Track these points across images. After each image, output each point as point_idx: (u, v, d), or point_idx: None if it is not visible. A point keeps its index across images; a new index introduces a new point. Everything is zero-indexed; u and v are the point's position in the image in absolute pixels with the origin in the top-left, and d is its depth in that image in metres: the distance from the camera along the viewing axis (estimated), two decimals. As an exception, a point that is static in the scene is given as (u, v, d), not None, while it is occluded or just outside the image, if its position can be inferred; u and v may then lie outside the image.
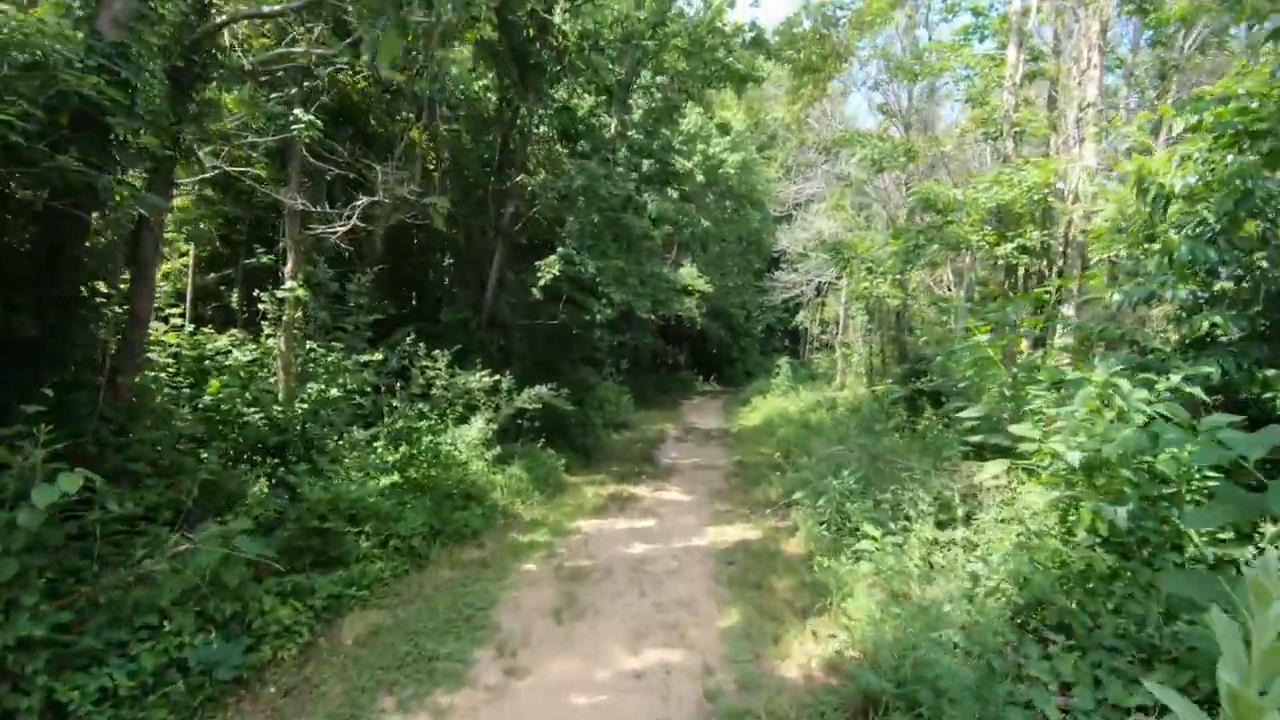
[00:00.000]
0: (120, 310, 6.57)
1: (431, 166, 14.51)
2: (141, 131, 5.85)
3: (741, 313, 32.01)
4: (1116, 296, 5.76)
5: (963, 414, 6.39)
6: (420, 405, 8.98)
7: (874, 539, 6.16)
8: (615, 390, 21.38)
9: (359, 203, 9.17)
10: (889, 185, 17.63)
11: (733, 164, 23.04)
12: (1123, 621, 4.14)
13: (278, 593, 5.47)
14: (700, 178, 23.05)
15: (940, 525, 6.35)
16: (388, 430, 8.42)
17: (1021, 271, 10.81)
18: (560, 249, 11.60)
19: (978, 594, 4.68)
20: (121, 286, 6.78)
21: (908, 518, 6.50)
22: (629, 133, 14.60)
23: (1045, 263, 10.54)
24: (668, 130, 18.37)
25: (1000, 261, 11.20)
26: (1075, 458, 4.47)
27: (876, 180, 17.50)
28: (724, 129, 16.27)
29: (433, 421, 9.04)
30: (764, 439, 17.21)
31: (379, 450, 8.48)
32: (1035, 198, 10.16)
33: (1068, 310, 10.09)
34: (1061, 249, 10.58)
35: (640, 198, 14.14)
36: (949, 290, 18.79)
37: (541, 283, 11.46)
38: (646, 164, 15.97)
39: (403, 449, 8.33)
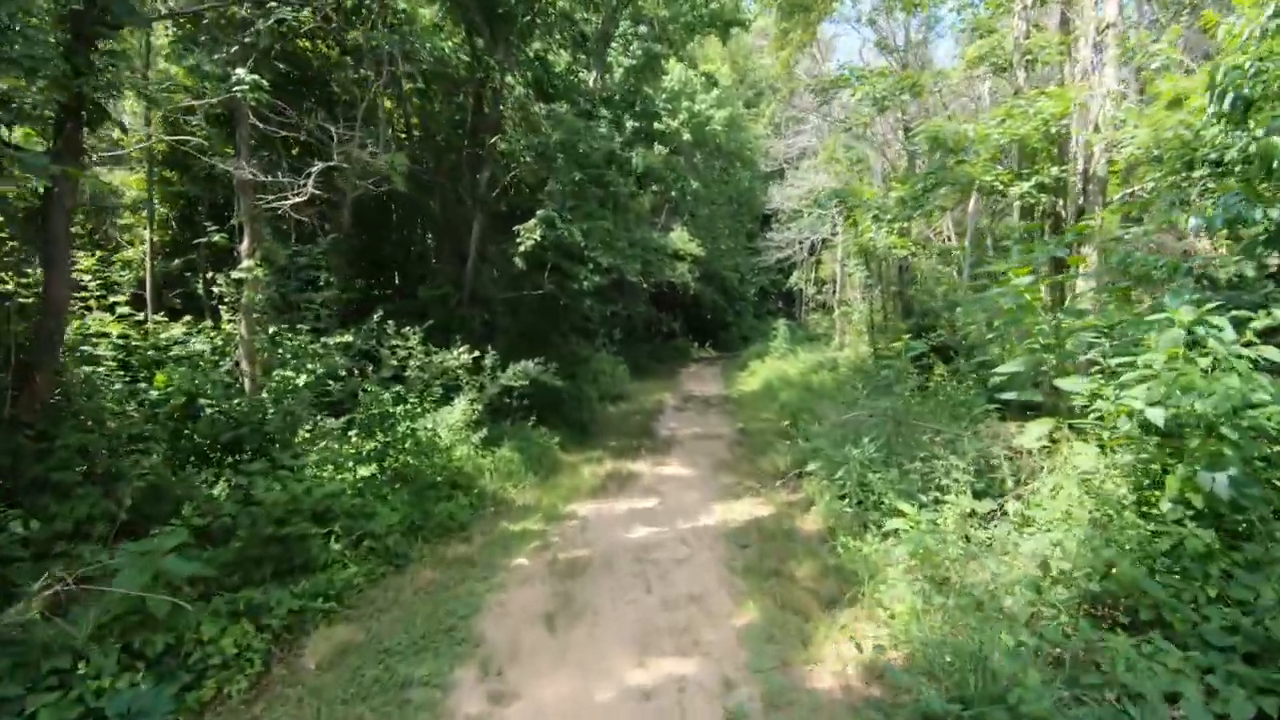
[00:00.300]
0: (32, 299, 5.70)
1: (403, 134, 13.49)
2: (31, 86, 4.93)
3: (735, 275, 31.08)
4: (1193, 222, 4.91)
5: (1000, 369, 5.59)
6: (396, 388, 8.14)
7: (907, 515, 5.40)
8: (610, 361, 20.57)
9: (314, 169, 8.22)
10: (886, 132, 16.63)
11: (720, 121, 21.94)
12: (1230, 611, 3.38)
13: (229, 613, 4.70)
14: (686, 136, 21.96)
15: (977, 495, 5.60)
16: (363, 417, 7.60)
17: (1039, 213, 9.93)
18: (540, 212, 10.66)
19: (1044, 582, 3.92)
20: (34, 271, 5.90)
21: (940, 489, 5.74)
22: (609, 92, 13.56)
23: (1062, 203, 9.66)
24: (650, 88, 17.30)
25: (1005, 206, 10.34)
26: (1158, 415, 3.68)
27: (874, 127, 16.50)
28: (710, 81, 15.22)
29: (410, 405, 8.22)
30: (765, 404, 16.47)
31: (352, 440, 7.68)
32: (1053, 130, 9.26)
33: (1088, 252, 9.27)
34: (1081, 186, 9.71)
35: (624, 153, 13.16)
36: (948, 242, 17.92)
37: (522, 249, 10.56)
38: (630, 122, 14.94)
39: (377, 437, 7.52)
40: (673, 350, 30.58)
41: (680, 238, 22.70)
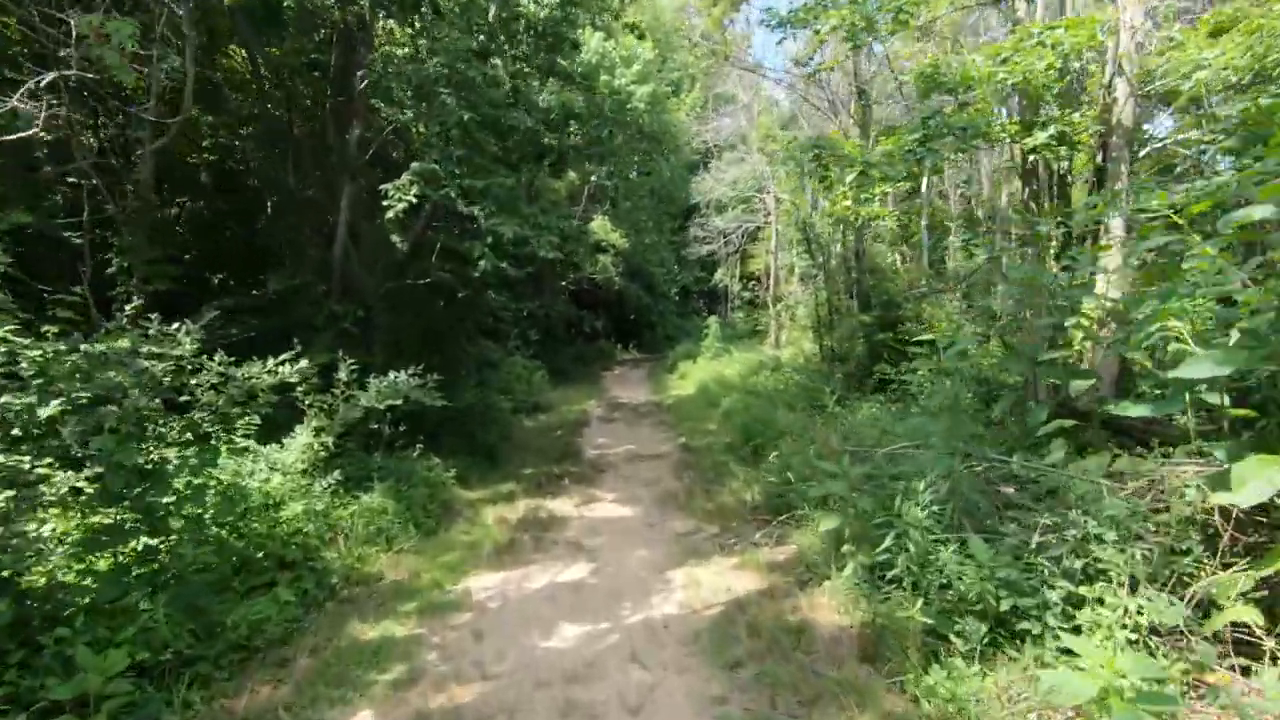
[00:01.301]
0: None
1: (249, 79, 10.19)
2: None
3: (661, 271, 28.66)
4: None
5: (1184, 372, 3.20)
6: (173, 421, 5.06)
7: (1078, 654, 2.90)
8: (526, 367, 17.67)
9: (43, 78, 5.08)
10: (840, 91, 14.52)
11: (642, 98, 19.48)
12: None
13: None
14: (606, 111, 19.32)
15: (1133, 589, 3.19)
16: (103, 470, 4.50)
17: (1052, 172, 7.83)
18: (416, 165, 7.72)
19: None
20: None
21: (1083, 577, 3.30)
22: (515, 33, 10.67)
23: (1102, 156, 7.59)
24: (564, 60, 14.59)
25: (1010, 166, 8.25)
26: None
27: (823, 86, 14.35)
28: (635, 32, 12.67)
29: (200, 448, 5.19)
30: (706, 412, 14.01)
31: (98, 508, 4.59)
32: (1076, 65, 7.15)
33: (1114, 224, 7.22)
34: (1100, 138, 7.67)
35: (529, 86, 10.38)
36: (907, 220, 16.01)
37: (391, 213, 7.57)
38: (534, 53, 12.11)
39: (129, 503, 4.46)
40: (596, 352, 27.86)
41: (602, 227, 20.04)
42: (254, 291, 9.48)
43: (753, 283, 30.68)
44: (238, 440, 5.64)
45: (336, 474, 6.37)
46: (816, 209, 15.78)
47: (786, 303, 16.91)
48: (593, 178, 21.22)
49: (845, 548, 4.53)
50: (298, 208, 10.07)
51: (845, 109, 14.16)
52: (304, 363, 5.74)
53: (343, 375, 6.67)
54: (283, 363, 5.64)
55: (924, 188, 10.82)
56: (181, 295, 9.58)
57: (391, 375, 6.81)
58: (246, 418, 5.55)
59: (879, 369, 10.55)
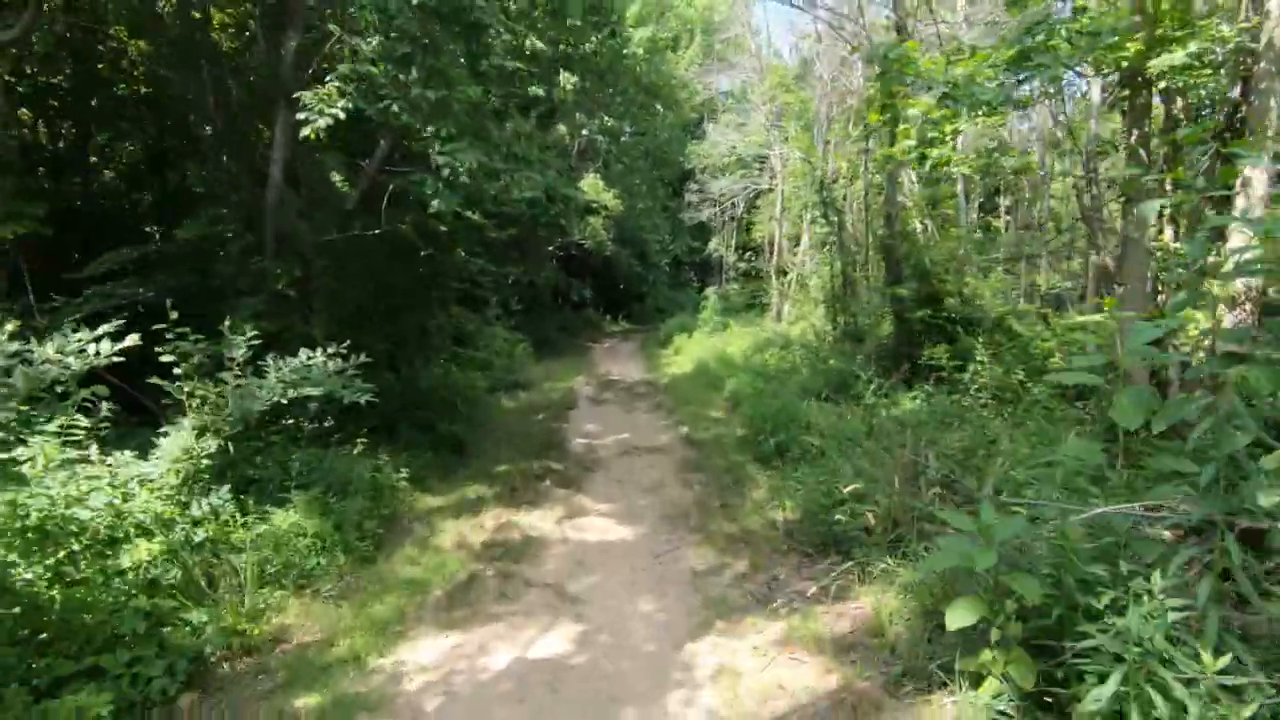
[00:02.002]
0: None
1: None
2: None
3: (654, 238, 26.62)
4: None
5: None
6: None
7: None
8: (507, 339, 15.78)
9: None
10: (876, 30, 12.51)
11: (640, 43, 17.35)
12: None
13: None
14: (600, 63, 17.18)
15: None
16: None
17: (1171, 110, 6.01)
18: (344, 67, 5.71)
19: None
20: None
21: None
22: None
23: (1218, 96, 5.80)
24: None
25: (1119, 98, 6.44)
26: None
27: (856, 20, 12.34)
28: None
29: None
30: (708, 395, 12.25)
31: None
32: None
33: (1255, 176, 5.44)
34: (1240, 66, 5.87)
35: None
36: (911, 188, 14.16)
37: (306, 131, 5.57)
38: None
39: None
40: (584, 323, 25.95)
41: (593, 186, 18.00)
42: (156, 243, 7.50)
43: (750, 254, 28.76)
44: (50, 448, 3.75)
45: (225, 490, 4.53)
46: (827, 165, 13.87)
47: (796, 273, 15.02)
48: (584, 131, 19.14)
49: (991, 655, 2.77)
50: (220, 140, 8.03)
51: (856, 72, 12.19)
52: (132, 338, 3.82)
53: (238, 355, 4.76)
54: (101, 338, 3.73)
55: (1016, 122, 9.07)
56: (59, 245, 7.62)
57: (303, 355, 4.91)
58: (58, 417, 3.67)
59: (927, 353, 8.79)
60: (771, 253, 19.16)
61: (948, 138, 6.11)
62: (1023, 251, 10.64)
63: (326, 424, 6.11)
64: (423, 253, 8.83)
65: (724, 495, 6.67)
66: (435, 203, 5.96)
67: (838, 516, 5.01)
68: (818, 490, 5.63)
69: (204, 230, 7.77)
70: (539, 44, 12.24)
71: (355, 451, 6.40)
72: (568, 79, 16.07)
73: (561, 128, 18.28)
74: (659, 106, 21.51)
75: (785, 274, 18.97)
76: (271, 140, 7.97)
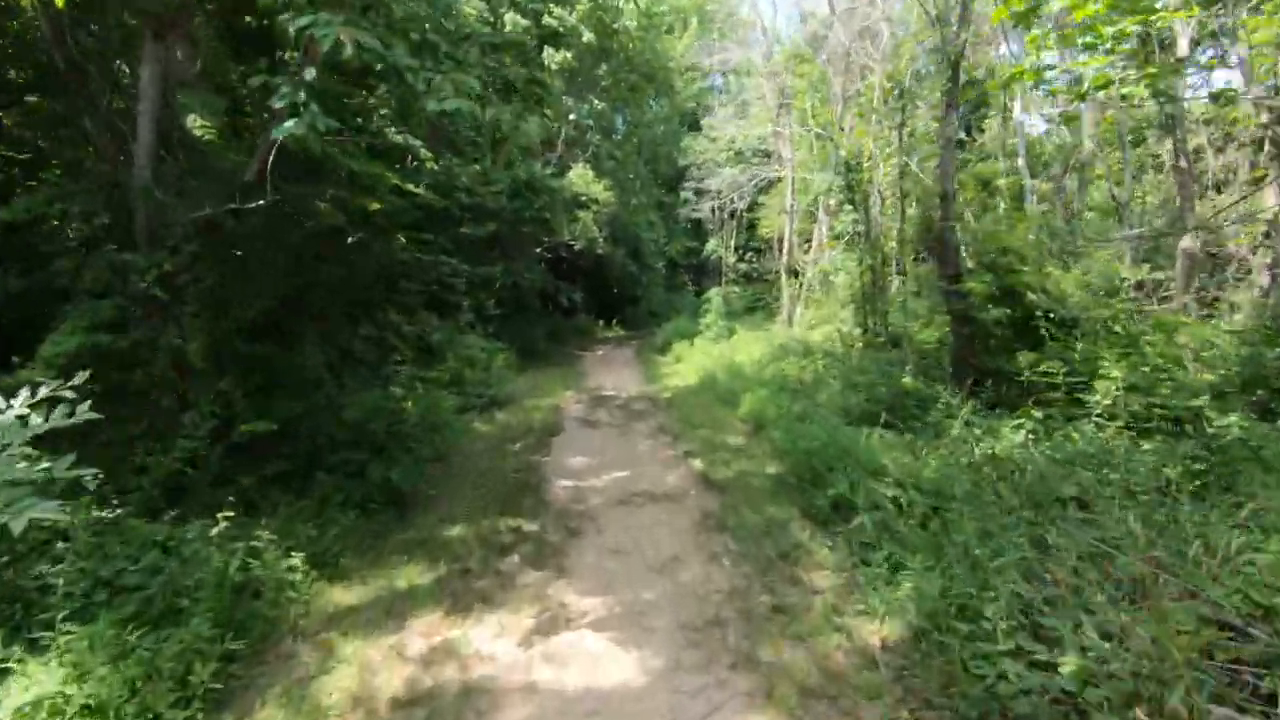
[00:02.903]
0: None
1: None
2: None
3: (649, 236, 24.35)
4: None
5: None
6: None
7: None
8: (485, 349, 13.50)
9: None
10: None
11: (632, 14, 15.15)
12: None
13: None
14: (588, 37, 14.94)
15: None
16: None
17: None
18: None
19: None
20: None
21: None
22: None
23: None
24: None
25: None
26: None
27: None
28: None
29: None
30: (719, 412, 10.05)
31: None
32: None
33: None
34: None
35: None
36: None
37: None
38: None
39: None
40: (574, 330, 23.67)
41: (582, 178, 15.75)
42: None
43: (752, 254, 26.57)
44: None
45: None
46: (845, 146, 11.68)
47: (811, 272, 12.71)
48: (571, 116, 16.92)
49: None
50: (62, 84, 5.76)
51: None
52: None
53: None
54: None
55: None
56: None
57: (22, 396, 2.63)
58: None
59: (1021, 362, 6.61)
60: (781, 250, 16.97)
61: (1108, 42, 3.89)
62: (1108, 236, 8.47)
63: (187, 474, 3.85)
64: (350, 239, 6.56)
65: (771, 583, 4.42)
66: (291, 125, 3.67)
67: (1007, 671, 2.78)
68: (937, 598, 3.41)
69: (40, 207, 5.51)
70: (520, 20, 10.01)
71: (215, 530, 4.13)
72: (553, 56, 13.88)
73: (548, 113, 16.07)
74: (653, 91, 19.34)
75: (797, 274, 16.77)
76: (137, 86, 5.72)
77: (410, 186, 7.57)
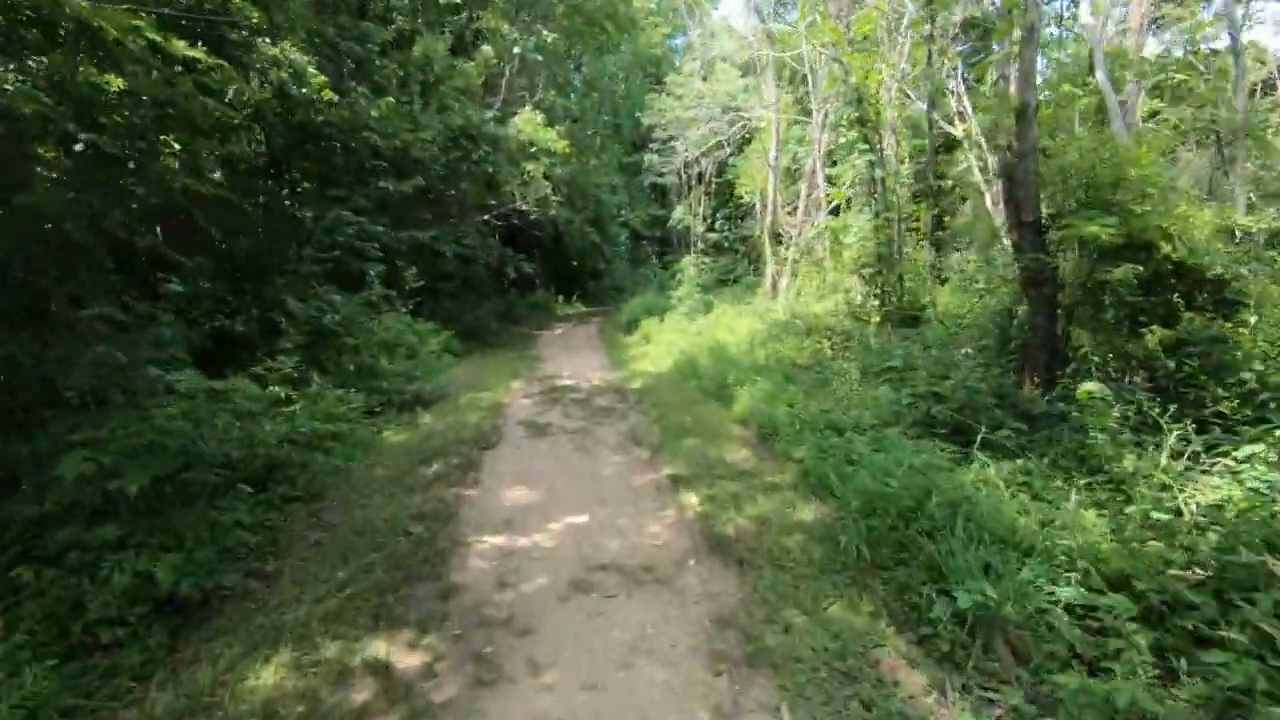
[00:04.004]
0: None
1: None
2: None
3: (612, 200, 21.48)
4: None
5: None
6: None
7: None
8: (414, 331, 10.62)
9: None
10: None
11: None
12: None
13: None
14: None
15: None
16: None
17: None
18: None
19: None
20: None
21: None
22: None
23: None
24: None
25: None
26: None
27: None
28: None
29: None
30: (707, 410, 7.56)
31: None
32: None
33: None
34: None
35: None
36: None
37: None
38: None
39: None
40: (529, 307, 20.83)
41: (530, 122, 12.83)
42: None
43: (722, 221, 23.92)
44: None
45: None
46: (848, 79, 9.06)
47: (825, 227, 9.97)
48: (516, 49, 13.89)
49: None
50: None
51: None
52: None
53: None
54: None
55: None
56: None
57: None
58: None
59: (1156, 339, 4.20)
60: (765, 212, 14.38)
61: None
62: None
63: None
64: (80, 143, 3.68)
65: None
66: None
67: None
68: None
69: None
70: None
71: None
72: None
73: (487, 49, 13.04)
74: (614, 31, 16.38)
75: (780, 239, 14.23)
76: None
77: (228, 77, 4.70)
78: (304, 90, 8.39)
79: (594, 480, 5.55)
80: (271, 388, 7.12)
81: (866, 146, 8.76)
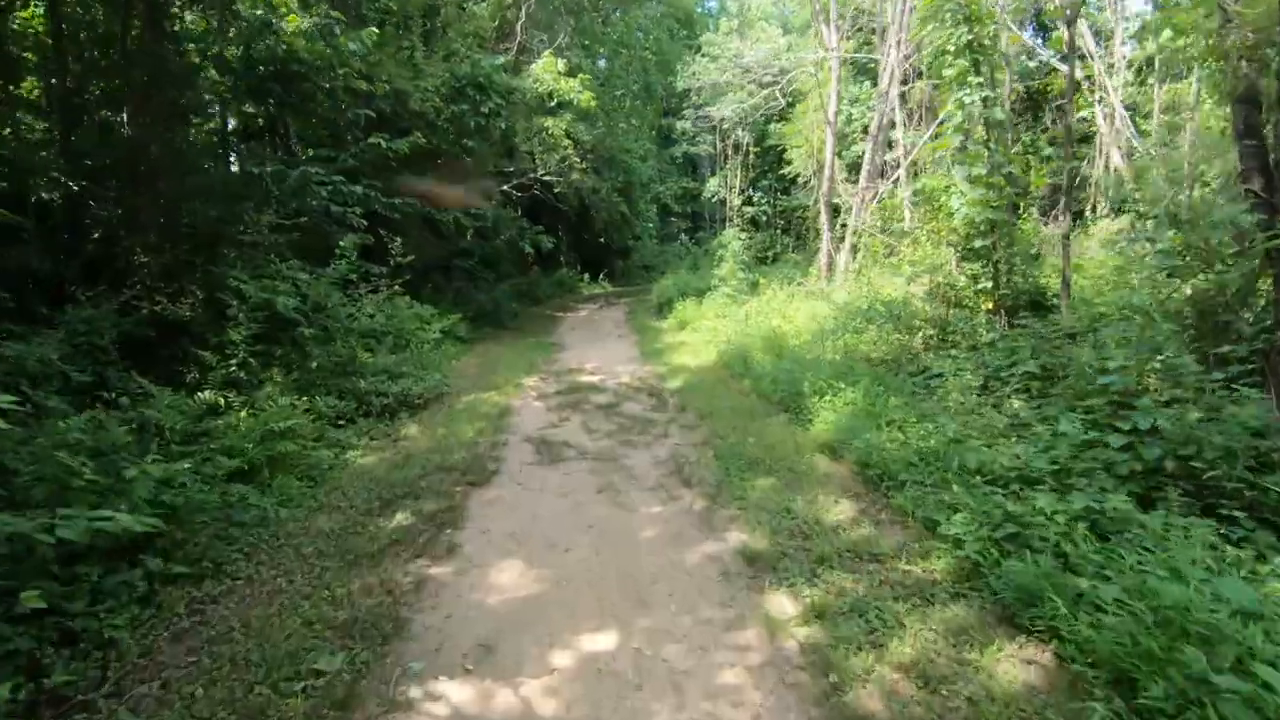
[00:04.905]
0: None
1: None
2: None
3: (643, 167, 19.30)
4: None
5: None
6: None
7: None
8: (405, 313, 8.73)
9: None
10: None
11: None
12: None
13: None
14: None
15: None
16: None
17: None
18: None
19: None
20: None
21: None
22: None
23: None
24: None
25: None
26: None
27: None
28: None
29: None
30: (771, 423, 5.53)
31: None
32: None
33: None
34: None
35: None
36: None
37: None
38: None
39: None
40: (553, 285, 18.90)
41: (549, 68, 10.73)
42: None
43: (760, 194, 21.59)
44: None
45: None
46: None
47: (926, 186, 7.68)
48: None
49: None
50: None
51: None
52: None
53: None
54: None
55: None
56: None
57: None
58: None
59: None
60: (822, 177, 12.05)
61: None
62: None
63: None
64: None
65: None
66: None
67: None
68: None
69: None
70: None
71: None
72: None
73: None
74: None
75: (837, 212, 11.99)
76: None
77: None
78: (259, 11, 6.45)
79: (627, 552, 3.61)
80: (202, 394, 5.33)
81: (979, 80, 6.54)
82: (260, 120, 9.93)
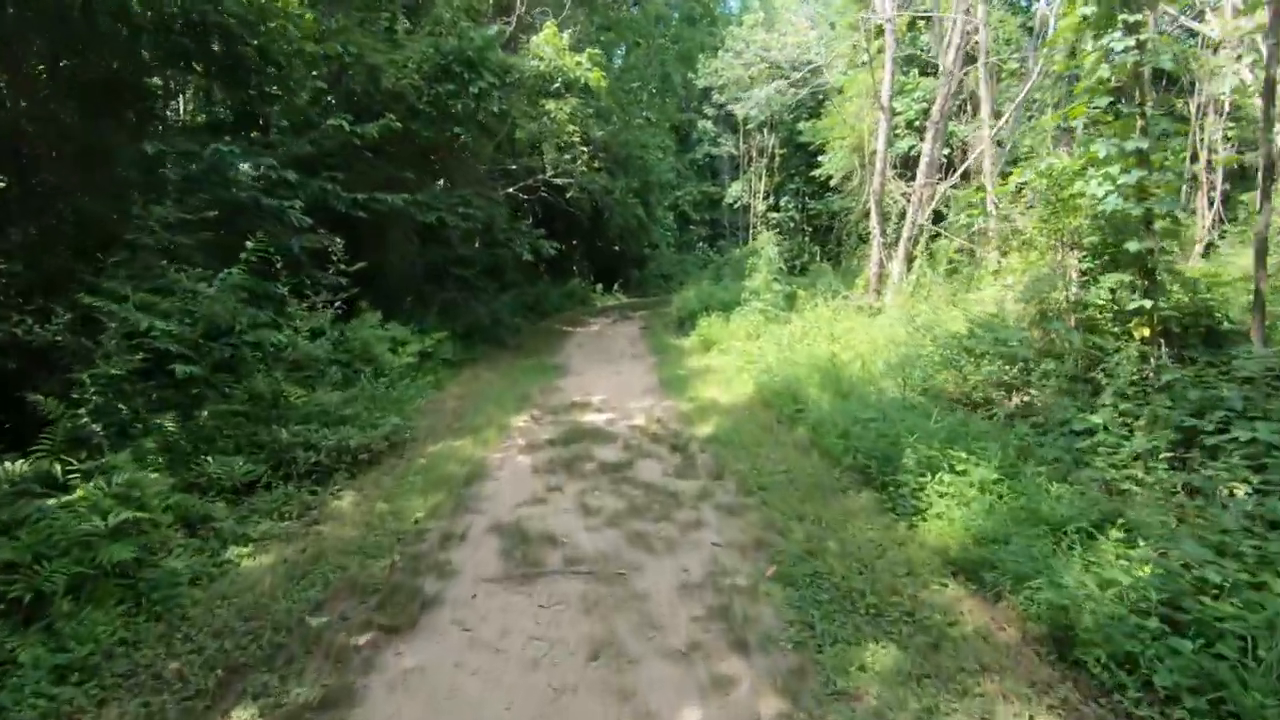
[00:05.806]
0: None
1: None
2: None
3: (663, 166, 17.44)
4: None
5: None
6: None
7: None
8: (362, 334, 6.93)
9: None
10: None
11: None
12: None
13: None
14: None
15: None
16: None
17: None
18: None
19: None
20: None
21: None
22: None
23: None
24: None
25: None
26: None
27: None
28: None
29: None
30: (851, 499, 3.55)
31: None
32: None
33: None
34: None
35: None
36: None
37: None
38: None
39: None
40: (564, 296, 17.06)
41: (552, 40, 8.91)
42: None
43: (791, 197, 19.63)
44: None
45: None
46: None
47: (1034, 178, 5.80)
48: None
49: None
50: None
51: None
52: None
53: None
54: None
55: None
56: None
57: None
58: None
59: None
60: (871, 174, 10.04)
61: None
62: None
63: None
64: None
65: None
66: None
67: None
68: None
69: None
70: None
71: None
72: None
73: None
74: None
75: (887, 217, 10.05)
76: None
77: None
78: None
79: None
80: (35, 461, 3.57)
81: (1124, 26, 4.63)
82: (223, 109, 8.23)
